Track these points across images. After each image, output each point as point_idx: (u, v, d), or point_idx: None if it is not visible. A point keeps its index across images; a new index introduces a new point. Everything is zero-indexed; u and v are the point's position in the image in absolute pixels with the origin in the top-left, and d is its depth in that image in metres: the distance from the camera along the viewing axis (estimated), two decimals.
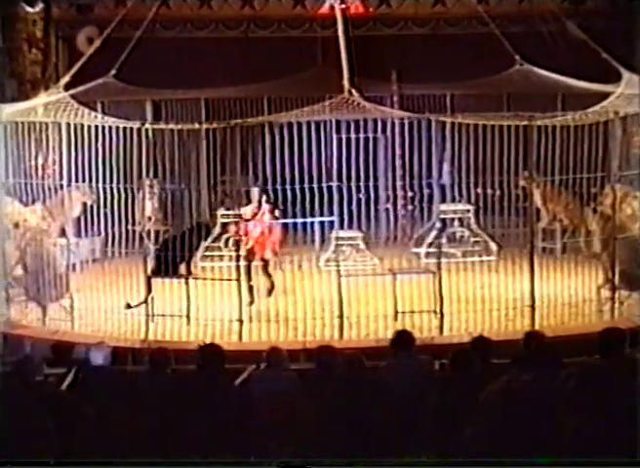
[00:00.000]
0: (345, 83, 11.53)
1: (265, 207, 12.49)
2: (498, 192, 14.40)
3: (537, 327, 10.76)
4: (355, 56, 11.92)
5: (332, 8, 13.40)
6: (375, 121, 13.83)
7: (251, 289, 11.93)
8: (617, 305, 11.61)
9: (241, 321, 11.13)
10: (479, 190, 14.78)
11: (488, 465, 6.41)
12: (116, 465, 6.70)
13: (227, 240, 14.10)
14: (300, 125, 12.13)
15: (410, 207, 15.80)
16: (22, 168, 12.17)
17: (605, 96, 11.96)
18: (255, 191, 12.79)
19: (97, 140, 11.58)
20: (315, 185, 11.81)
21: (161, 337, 11.00)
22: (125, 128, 11.50)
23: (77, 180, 11.93)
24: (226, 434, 7.15)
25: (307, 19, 16.72)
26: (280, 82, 15.53)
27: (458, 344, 9.50)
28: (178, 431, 7.11)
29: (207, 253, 14.26)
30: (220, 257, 13.93)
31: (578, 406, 6.47)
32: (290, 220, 13.66)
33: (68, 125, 11.73)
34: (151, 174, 13.74)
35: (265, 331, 11.09)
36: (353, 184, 13.02)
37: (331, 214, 12.45)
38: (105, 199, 12.00)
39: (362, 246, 14.28)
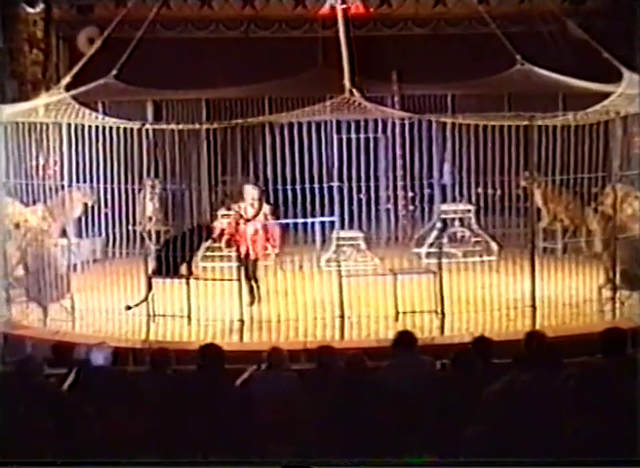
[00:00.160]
0: (346, 83, 11.53)
1: (266, 208, 12.48)
2: (498, 192, 14.42)
3: (538, 327, 10.75)
4: (356, 56, 11.92)
5: (332, 8, 13.40)
6: (375, 121, 13.81)
7: (251, 289, 11.93)
8: (618, 305, 11.59)
9: (242, 321, 11.14)
10: (480, 190, 14.78)
11: (489, 465, 6.41)
12: (123, 465, 6.70)
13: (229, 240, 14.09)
14: (300, 125, 12.12)
15: (411, 207, 15.79)
16: (23, 168, 12.16)
17: (606, 95, 11.94)
18: (247, 188, 12.67)
19: (97, 141, 11.59)
20: (316, 185, 11.81)
21: (162, 338, 11.00)
22: (126, 128, 11.49)
23: (78, 181, 11.92)
24: (228, 435, 7.16)
25: (308, 20, 16.69)
26: (281, 82, 15.52)
27: (459, 344, 9.49)
28: (180, 431, 7.13)
29: (208, 254, 14.25)
30: (221, 258, 13.93)
31: (579, 406, 6.47)
32: (291, 220, 13.66)
33: (69, 125, 11.72)
34: (152, 174, 13.74)
35: (266, 332, 11.10)
36: (354, 184, 13.01)
37: (332, 214, 12.44)
38: (106, 199, 12.02)
39: (363, 246, 14.29)
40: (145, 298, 11.48)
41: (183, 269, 12.00)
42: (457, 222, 14.89)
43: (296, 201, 11.83)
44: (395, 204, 15.61)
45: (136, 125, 11.59)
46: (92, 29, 16.43)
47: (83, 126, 11.67)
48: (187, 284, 11.72)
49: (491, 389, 6.73)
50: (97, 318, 11.62)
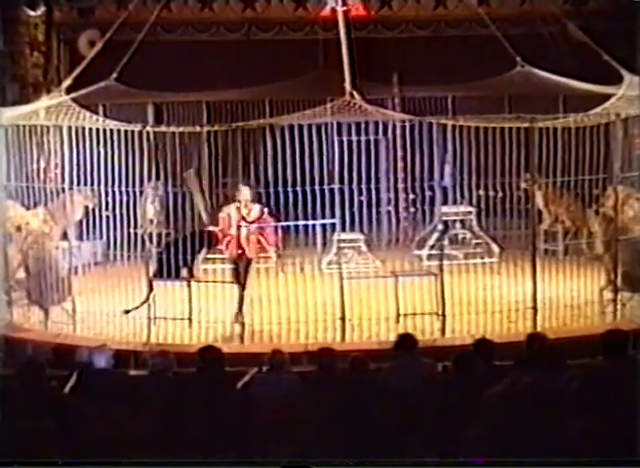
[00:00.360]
0: (347, 85, 11.53)
1: (257, 208, 12.38)
2: (499, 194, 14.38)
3: (539, 328, 10.76)
4: (357, 58, 11.93)
5: (333, 10, 13.38)
6: (376, 123, 13.82)
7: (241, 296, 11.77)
8: (619, 307, 11.59)
9: (243, 323, 11.14)
10: (481, 192, 14.76)
11: (490, 466, 6.41)
12: (125, 465, 6.71)
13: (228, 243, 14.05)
14: (301, 127, 12.11)
15: (411, 209, 15.78)
16: (24, 171, 12.16)
17: (606, 97, 11.95)
18: (241, 189, 12.57)
19: (98, 144, 11.59)
20: (317, 188, 11.80)
21: (163, 340, 11.01)
22: (127, 131, 11.49)
23: (79, 184, 11.92)
24: (229, 437, 7.16)
25: (309, 22, 16.73)
26: (281, 84, 15.53)
27: (460, 346, 9.49)
28: (181, 432, 7.13)
29: (209, 256, 14.24)
30: (223, 260, 13.91)
31: (580, 407, 6.47)
32: (292, 223, 13.65)
33: (70, 128, 11.72)
34: (153, 176, 13.72)
35: (267, 334, 11.09)
36: (355, 187, 12.99)
37: (332, 216, 12.42)
38: (107, 202, 12.02)
39: (364, 248, 14.28)
40: (146, 300, 11.47)
41: (185, 272, 11.99)
42: (458, 224, 14.89)
43: (296, 203, 11.81)
44: (396, 206, 15.59)
45: (136, 127, 11.59)
46: (93, 32, 16.45)
47: (84, 128, 11.68)
48: (189, 286, 11.71)
49: (492, 391, 6.73)
50: (98, 321, 11.62)
